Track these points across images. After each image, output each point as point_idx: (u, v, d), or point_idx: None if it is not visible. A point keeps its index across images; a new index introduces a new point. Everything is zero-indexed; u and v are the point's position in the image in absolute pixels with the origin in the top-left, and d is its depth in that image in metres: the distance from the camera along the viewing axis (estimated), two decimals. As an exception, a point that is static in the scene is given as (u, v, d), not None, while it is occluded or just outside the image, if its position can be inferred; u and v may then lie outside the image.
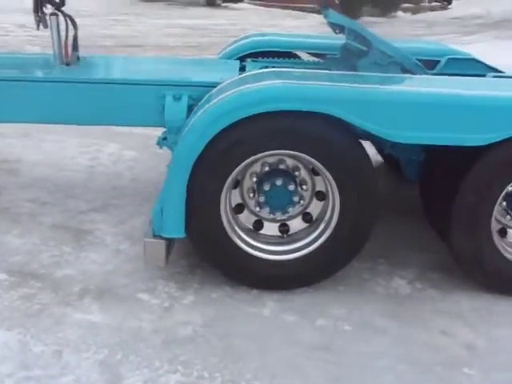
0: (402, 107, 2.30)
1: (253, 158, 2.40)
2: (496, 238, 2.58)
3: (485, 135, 2.33)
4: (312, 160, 2.40)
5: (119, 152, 4.45)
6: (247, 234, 2.61)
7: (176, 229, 2.43)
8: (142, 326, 2.37)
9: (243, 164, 2.40)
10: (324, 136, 2.34)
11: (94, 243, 3.01)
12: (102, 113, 2.95)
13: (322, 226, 2.58)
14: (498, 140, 2.33)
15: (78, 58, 3.33)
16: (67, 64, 3.18)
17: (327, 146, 2.36)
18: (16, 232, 3.07)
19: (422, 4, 24.53)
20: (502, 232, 2.72)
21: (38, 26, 3.22)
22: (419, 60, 3.74)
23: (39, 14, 3.18)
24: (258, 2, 17.91)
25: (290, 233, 2.69)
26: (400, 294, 2.68)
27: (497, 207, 2.51)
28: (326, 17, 3.19)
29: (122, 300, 2.53)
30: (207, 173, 2.38)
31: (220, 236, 2.50)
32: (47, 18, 3.15)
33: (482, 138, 2.33)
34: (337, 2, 19.70)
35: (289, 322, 2.44)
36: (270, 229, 2.69)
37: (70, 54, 3.19)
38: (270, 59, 3.58)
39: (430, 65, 3.71)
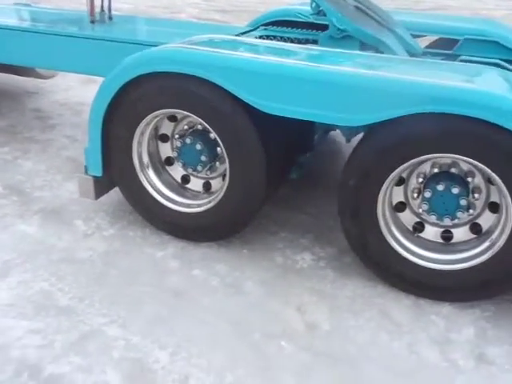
0: (271, 78, 2.31)
1: (158, 113, 2.64)
2: (386, 227, 2.43)
3: (355, 116, 2.22)
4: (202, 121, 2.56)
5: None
6: (165, 184, 2.87)
7: (95, 168, 2.82)
8: (58, 243, 2.84)
9: (149, 117, 2.65)
10: (206, 99, 2.46)
11: (83, 176, 3.56)
12: (95, 64, 3.41)
13: (224, 186, 2.71)
14: (370, 123, 2.20)
15: (110, 18, 3.85)
16: (92, 22, 3.72)
17: (211, 109, 2.48)
18: (36, 159, 3.79)
19: None
20: (419, 226, 2.53)
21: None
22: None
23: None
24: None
25: (211, 190, 2.88)
26: (294, 268, 2.70)
27: (383, 196, 2.37)
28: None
29: (61, 222, 3.03)
30: (119, 122, 2.70)
31: (132, 180, 2.83)
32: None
33: (352, 118, 2.23)
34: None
35: (169, 266, 2.69)
36: (196, 184, 2.91)
37: (93, 12, 3.71)
38: (280, 28, 3.65)
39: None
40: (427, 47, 3.60)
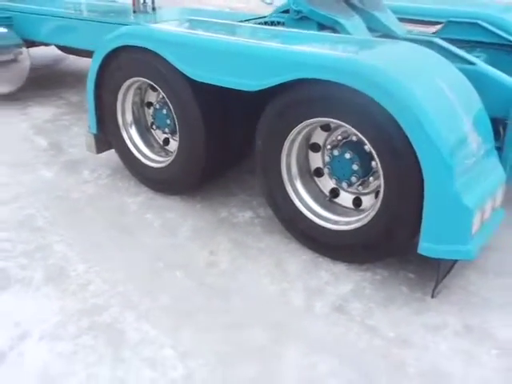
0: (195, 49, 2.70)
1: (131, 80, 3.17)
2: (291, 187, 2.67)
3: (252, 82, 2.51)
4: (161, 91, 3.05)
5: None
6: (145, 142, 3.40)
7: (93, 126, 3.44)
8: (61, 185, 3.52)
9: (127, 83, 3.19)
10: (159, 69, 2.93)
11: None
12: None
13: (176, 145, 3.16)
14: (264, 88, 2.48)
15: (154, 9, 4.50)
16: (134, 11, 4.39)
17: (163, 78, 2.94)
18: (83, 125, 4.54)
19: None
20: (335, 192, 2.73)
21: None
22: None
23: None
24: None
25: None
26: (231, 221, 3.05)
27: (286, 156, 2.62)
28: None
29: (73, 171, 3.72)
30: (104, 87, 3.29)
31: (118, 137, 3.39)
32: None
33: (250, 84, 2.53)
34: None
35: (130, 209, 3.21)
36: (173, 146, 3.39)
37: (135, 4, 4.38)
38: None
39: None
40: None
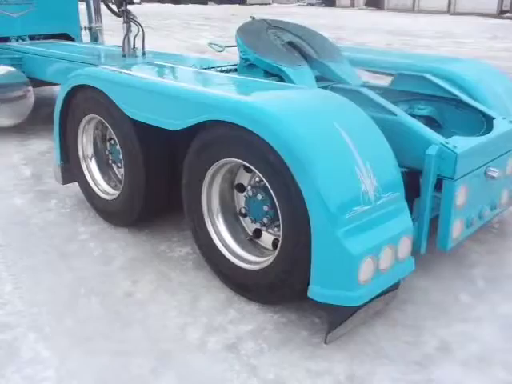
0: (129, 89, 2.89)
1: (87, 117, 3.38)
2: (212, 224, 2.75)
3: (173, 121, 2.65)
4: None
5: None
6: (103, 174, 3.57)
7: (58, 158, 3.66)
8: (27, 212, 3.73)
9: (87, 119, 3.40)
10: (107, 107, 3.12)
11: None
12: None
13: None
14: (183, 127, 2.60)
15: (144, 53, 4.78)
16: (123, 56, 4.68)
17: (110, 116, 3.13)
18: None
19: None
20: (259, 232, 2.78)
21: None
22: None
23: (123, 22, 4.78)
24: None
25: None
26: (165, 255, 3.14)
27: (206, 195, 2.71)
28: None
29: (43, 200, 3.93)
30: (67, 122, 3.51)
31: (78, 169, 3.58)
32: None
33: (172, 123, 2.67)
34: None
35: (79, 238, 3.35)
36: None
37: (126, 50, 4.67)
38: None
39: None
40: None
